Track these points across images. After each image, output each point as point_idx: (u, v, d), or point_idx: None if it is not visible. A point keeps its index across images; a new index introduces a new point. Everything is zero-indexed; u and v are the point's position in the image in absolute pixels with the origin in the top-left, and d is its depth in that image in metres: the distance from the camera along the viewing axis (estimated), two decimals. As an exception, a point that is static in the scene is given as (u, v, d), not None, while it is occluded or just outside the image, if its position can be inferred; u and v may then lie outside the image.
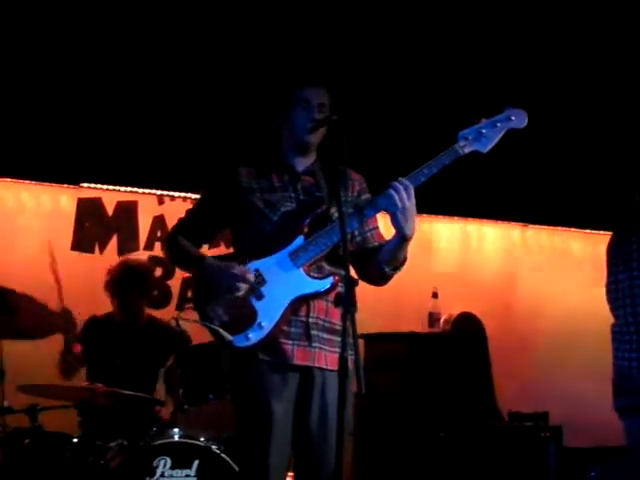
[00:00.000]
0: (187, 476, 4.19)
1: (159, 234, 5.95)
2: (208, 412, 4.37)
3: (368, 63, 5.66)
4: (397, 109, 5.81)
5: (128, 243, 5.97)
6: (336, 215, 3.12)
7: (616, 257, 3.31)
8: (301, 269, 3.21)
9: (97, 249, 5.90)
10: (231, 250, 3.48)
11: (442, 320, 5.80)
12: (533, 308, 6.61)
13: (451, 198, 6.14)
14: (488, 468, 5.02)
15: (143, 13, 5.32)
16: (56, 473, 4.24)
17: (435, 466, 5.05)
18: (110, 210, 5.97)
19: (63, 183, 5.86)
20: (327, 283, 3.21)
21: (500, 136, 3.24)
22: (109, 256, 5.76)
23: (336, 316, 3.21)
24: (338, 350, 2.89)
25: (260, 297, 3.20)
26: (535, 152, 5.99)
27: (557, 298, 6.62)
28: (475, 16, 5.62)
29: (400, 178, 3.16)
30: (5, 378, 4.48)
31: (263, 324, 3.18)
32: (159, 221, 6.00)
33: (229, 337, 3.18)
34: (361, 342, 3.20)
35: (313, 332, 3.24)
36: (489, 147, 3.23)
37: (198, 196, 3.68)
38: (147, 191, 6.03)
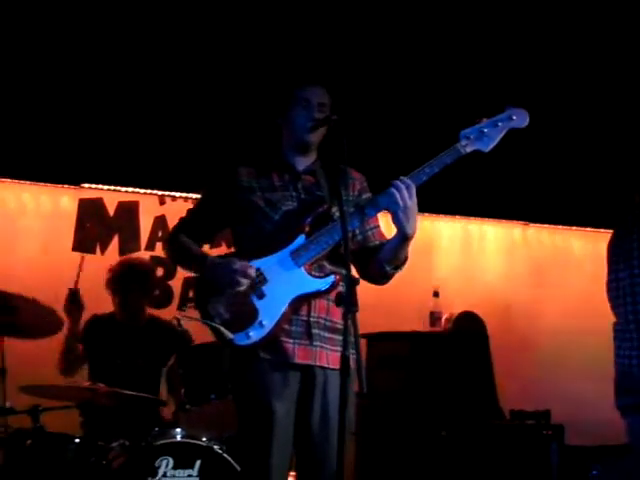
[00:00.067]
0: (189, 476, 4.18)
1: (160, 234, 5.95)
2: (210, 412, 4.36)
3: (368, 63, 5.66)
4: (398, 108, 5.81)
5: (129, 243, 5.97)
6: (337, 214, 3.12)
7: (617, 255, 3.32)
8: (302, 268, 3.21)
9: (98, 249, 5.90)
10: (232, 250, 3.49)
11: (443, 319, 5.79)
12: (534, 306, 6.61)
13: (452, 197, 6.14)
14: (490, 466, 5.02)
15: (143, 13, 5.33)
16: (58, 474, 4.23)
17: (437, 465, 5.05)
18: (111, 210, 5.97)
19: (64, 184, 5.86)
20: (328, 282, 3.21)
21: (501, 135, 3.24)
22: (110, 256, 5.76)
23: (337, 315, 3.21)
24: (339, 349, 2.88)
25: (261, 296, 3.20)
26: (536, 151, 5.99)
27: (558, 296, 6.62)
28: (476, 16, 5.62)
29: (402, 177, 3.16)
30: (7, 378, 4.49)
31: (264, 322, 3.18)
32: (160, 221, 6.00)
33: (230, 335, 3.18)
34: (363, 341, 3.20)
35: (314, 331, 3.25)
36: (491, 146, 3.23)
37: (199, 196, 3.69)
38: (148, 191, 6.03)
